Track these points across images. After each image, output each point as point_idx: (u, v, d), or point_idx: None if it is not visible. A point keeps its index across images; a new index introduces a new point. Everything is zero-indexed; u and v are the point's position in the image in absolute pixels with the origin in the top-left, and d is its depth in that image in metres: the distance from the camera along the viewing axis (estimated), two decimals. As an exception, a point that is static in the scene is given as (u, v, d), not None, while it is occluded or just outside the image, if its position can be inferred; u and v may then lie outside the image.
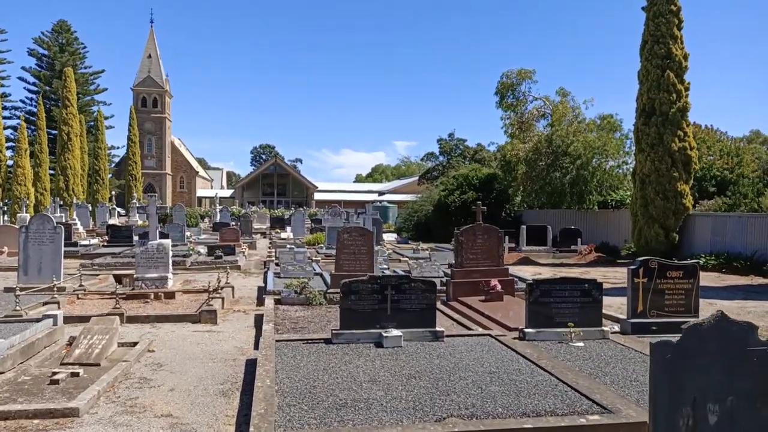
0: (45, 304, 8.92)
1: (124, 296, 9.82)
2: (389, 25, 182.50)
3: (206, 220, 39.40)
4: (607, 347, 6.17)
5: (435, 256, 16.29)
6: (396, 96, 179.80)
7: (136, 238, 21.12)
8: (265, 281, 11.83)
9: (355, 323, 6.15)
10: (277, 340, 6.12)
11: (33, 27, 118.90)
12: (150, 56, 68.81)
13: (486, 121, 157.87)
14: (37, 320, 6.68)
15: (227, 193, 73.18)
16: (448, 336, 6.30)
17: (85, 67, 60.85)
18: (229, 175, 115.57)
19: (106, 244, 21.56)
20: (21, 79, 57.92)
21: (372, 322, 6.17)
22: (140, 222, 30.98)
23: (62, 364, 5.90)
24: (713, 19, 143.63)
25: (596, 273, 15.37)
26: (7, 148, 35.31)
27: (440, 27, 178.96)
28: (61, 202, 33.76)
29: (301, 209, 38.80)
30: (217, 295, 9.44)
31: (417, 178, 68.36)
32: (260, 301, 10.40)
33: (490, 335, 6.49)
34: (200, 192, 75.28)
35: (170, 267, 10.42)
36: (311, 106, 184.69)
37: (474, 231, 9.60)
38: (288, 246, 20.98)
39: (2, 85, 51.40)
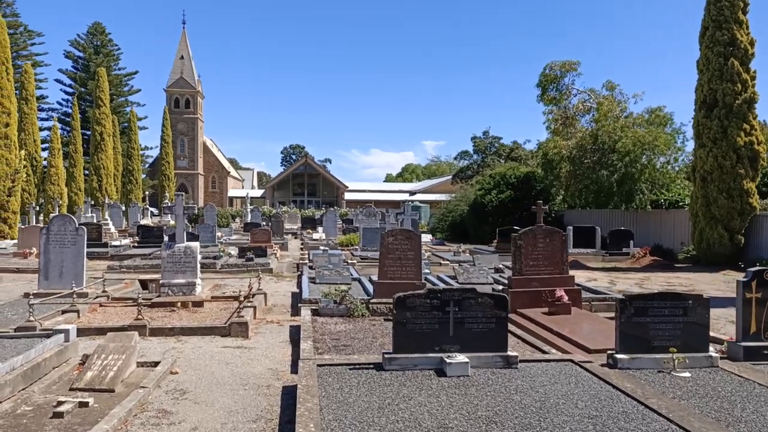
0: (64, 312, 8.20)
1: (149, 304, 9.07)
2: (415, 25, 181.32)
3: (237, 220, 39.05)
4: (720, 379, 5.03)
5: (477, 259, 15.17)
6: (425, 95, 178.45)
7: (166, 238, 20.65)
8: (299, 287, 10.95)
9: (411, 345, 5.15)
10: (318, 365, 5.17)
11: (69, 29, 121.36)
12: (182, 57, 69.25)
13: (521, 118, 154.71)
14: (47, 335, 5.89)
15: (258, 193, 73.15)
16: (522, 361, 5.25)
17: (120, 69, 61.62)
18: (260, 175, 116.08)
19: (136, 244, 21.11)
20: (58, 81, 58.97)
21: (431, 344, 5.17)
22: (172, 222, 30.60)
23: (71, 389, 5.08)
24: None
25: (659, 279, 14.04)
26: (44, 149, 35.56)
27: (470, 23, 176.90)
28: (93, 202, 33.74)
29: (333, 209, 38.08)
30: (249, 304, 8.58)
31: (450, 177, 67.00)
32: (295, 310, 9.51)
33: (572, 361, 5.40)
34: (231, 192, 75.49)
35: (198, 272, 9.62)
36: (340, 106, 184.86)
37: (535, 234, 8.50)
38: (321, 247, 20.16)
39: (40, 88, 52.18)
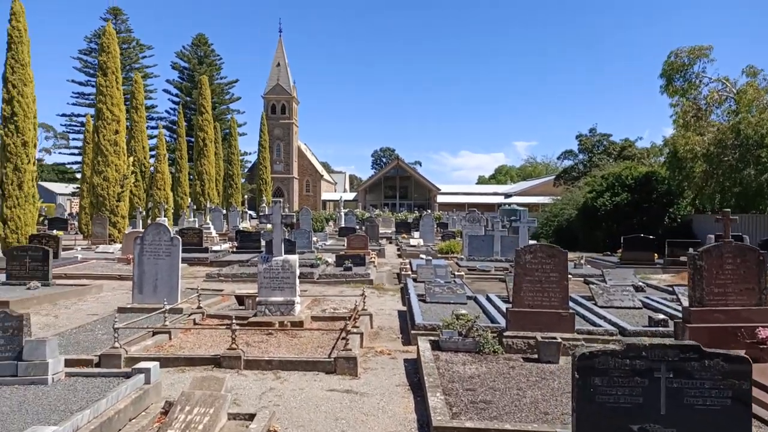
0: (155, 334, 7.37)
1: (245, 323, 8.10)
2: (502, 29, 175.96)
3: (331, 223, 38.76)
4: None
5: (607, 274, 12.98)
6: (516, 96, 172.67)
7: (263, 243, 20.24)
8: (407, 306, 9.57)
9: (601, 425, 3.54)
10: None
11: (176, 42, 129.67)
12: (278, 65, 71.01)
13: (632, 114, 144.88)
14: (126, 375, 4.89)
15: (350, 196, 73.46)
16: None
17: (221, 78, 64.14)
18: (351, 178, 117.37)
19: (235, 250, 20.88)
20: (165, 91, 62.41)
21: (631, 423, 3.52)
22: (269, 227, 30.63)
23: (148, 454, 3.99)
24: None
25: None
26: (152, 156, 37.22)
27: (565, 16, 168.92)
28: (196, 207, 34.70)
29: (427, 213, 36.69)
30: (355, 330, 7.31)
31: (550, 178, 63.36)
32: (406, 336, 8.15)
33: None
34: (325, 195, 76.40)
35: (297, 289, 8.52)
36: (430, 109, 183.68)
37: (721, 252, 6.50)
38: (422, 256, 18.78)
39: (149, 98, 55.36)
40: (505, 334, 6.66)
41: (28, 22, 18.03)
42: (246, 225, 35.04)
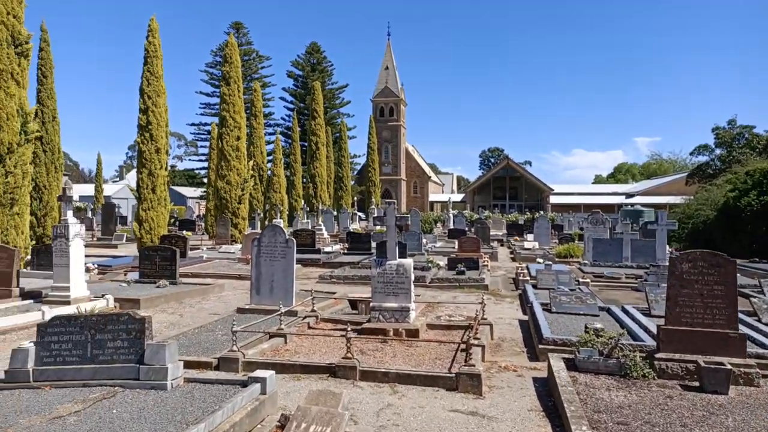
0: (271, 337, 7.28)
1: (358, 329, 7.80)
2: (618, 23, 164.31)
3: (439, 225, 38.21)
4: None
5: (749, 280, 11.14)
6: (636, 90, 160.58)
7: (374, 244, 20.20)
8: (532, 318, 8.75)
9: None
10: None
11: (290, 52, 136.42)
12: (387, 68, 71.83)
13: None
14: (243, 383, 4.69)
15: (458, 197, 72.40)
16: None
17: (332, 83, 66.17)
18: (458, 179, 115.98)
19: (345, 251, 21.06)
20: (281, 98, 65.66)
21: None
22: (378, 228, 30.77)
23: (262, 475, 3.70)
24: None
25: None
26: (269, 161, 39.08)
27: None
28: (308, 208, 35.80)
29: (541, 214, 34.91)
30: (475, 341, 6.68)
31: (679, 176, 57.89)
32: (531, 351, 7.38)
33: None
34: (432, 197, 75.99)
35: (412, 295, 8.06)
36: (539, 107, 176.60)
37: None
38: (538, 260, 17.61)
39: (267, 106, 58.47)
40: (657, 355, 5.68)
41: (162, 38, 19.45)
42: (356, 226, 35.56)
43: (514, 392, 5.72)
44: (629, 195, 64.23)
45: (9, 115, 12.73)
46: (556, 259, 18.64)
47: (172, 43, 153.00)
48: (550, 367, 5.96)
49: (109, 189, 60.00)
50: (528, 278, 13.43)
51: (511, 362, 6.87)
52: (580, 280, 12.91)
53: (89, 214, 35.17)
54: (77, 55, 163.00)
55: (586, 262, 15.34)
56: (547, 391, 5.71)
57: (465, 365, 5.81)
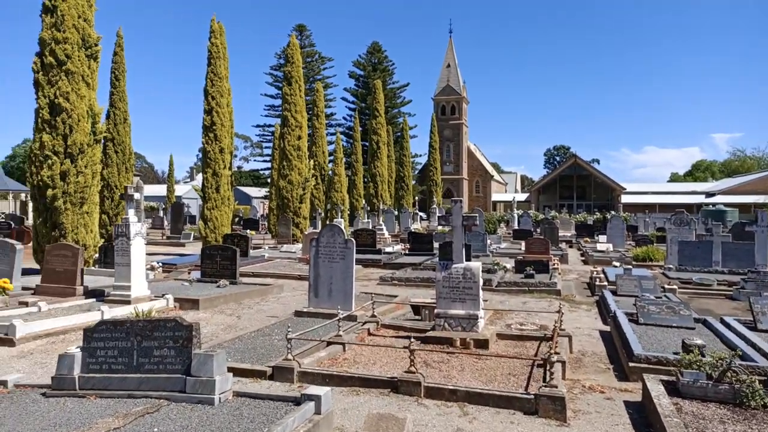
0: (328, 344, 6.81)
1: (422, 337, 7.21)
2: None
3: (503, 225, 36.94)
4: None
5: None
6: (715, 82, 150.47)
7: (436, 245, 19.54)
8: (616, 330, 7.83)
9: None
10: None
11: (352, 52, 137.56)
12: (448, 66, 70.73)
13: None
14: (296, 401, 4.21)
15: (522, 196, 70.19)
16: None
17: (393, 83, 65.86)
18: (522, 178, 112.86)
19: (407, 252, 20.51)
20: (343, 99, 66.07)
21: None
22: (440, 228, 30.03)
23: None
24: None
25: None
26: (330, 160, 39.16)
27: None
28: (369, 208, 35.52)
29: (613, 214, 32.95)
30: (555, 357, 5.93)
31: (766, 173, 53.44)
32: (619, 368, 6.52)
33: None
34: (495, 196, 74.15)
35: (480, 302, 7.37)
36: (608, 104, 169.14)
37: None
38: (614, 263, 16.40)
39: (329, 106, 58.91)
40: (781, 382, 4.74)
41: (231, 42, 19.65)
42: (417, 226, 34.96)
43: (604, 419, 4.94)
44: (709, 194, 59.98)
45: (80, 116, 13.03)
46: (634, 263, 17.29)
47: (240, 48, 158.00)
48: (645, 389, 5.14)
49: (180, 189, 62.53)
50: (605, 283, 12.37)
51: (596, 381, 6.06)
52: (666, 286, 11.73)
53: (161, 214, 36.48)
54: (156, 57, 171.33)
55: (671, 266, 14.01)
56: (643, 419, 4.90)
57: (545, 386, 5.09)
